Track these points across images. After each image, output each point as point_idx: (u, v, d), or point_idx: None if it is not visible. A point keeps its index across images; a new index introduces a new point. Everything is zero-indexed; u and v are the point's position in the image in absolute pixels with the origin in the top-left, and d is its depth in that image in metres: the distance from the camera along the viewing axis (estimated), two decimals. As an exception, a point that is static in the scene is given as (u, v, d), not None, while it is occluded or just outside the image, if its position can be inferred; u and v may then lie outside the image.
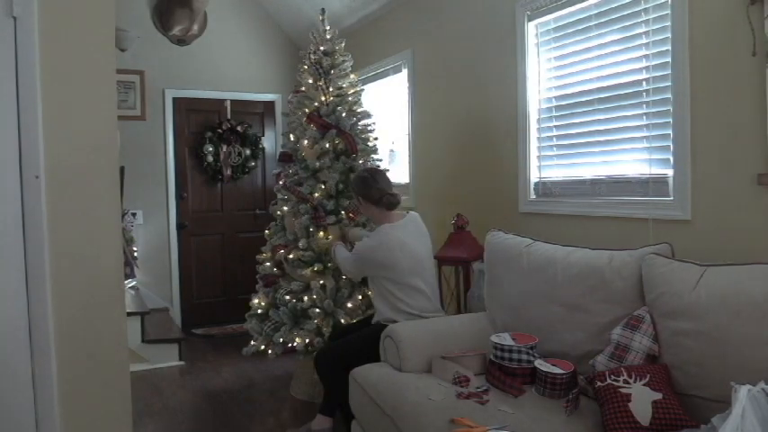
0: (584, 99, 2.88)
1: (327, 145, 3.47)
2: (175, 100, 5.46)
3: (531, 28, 3.19)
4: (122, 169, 4.14)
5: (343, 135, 3.48)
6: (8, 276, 2.21)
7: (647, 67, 2.56)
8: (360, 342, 2.88)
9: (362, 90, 3.75)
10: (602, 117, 2.78)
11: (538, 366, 2.18)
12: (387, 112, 4.67)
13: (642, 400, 1.84)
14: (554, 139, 3.12)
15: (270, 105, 5.86)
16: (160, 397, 3.76)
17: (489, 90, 3.51)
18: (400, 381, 2.40)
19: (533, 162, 3.22)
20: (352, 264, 3.02)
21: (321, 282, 3.39)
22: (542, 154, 3.19)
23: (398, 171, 4.49)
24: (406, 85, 4.43)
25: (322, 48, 3.59)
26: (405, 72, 4.46)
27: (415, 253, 2.91)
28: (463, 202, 3.69)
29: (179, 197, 5.50)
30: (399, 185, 4.43)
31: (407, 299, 2.88)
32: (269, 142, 5.82)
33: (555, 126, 3.10)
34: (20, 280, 2.22)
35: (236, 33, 5.68)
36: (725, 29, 2.20)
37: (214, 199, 5.66)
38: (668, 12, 2.42)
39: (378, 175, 3.07)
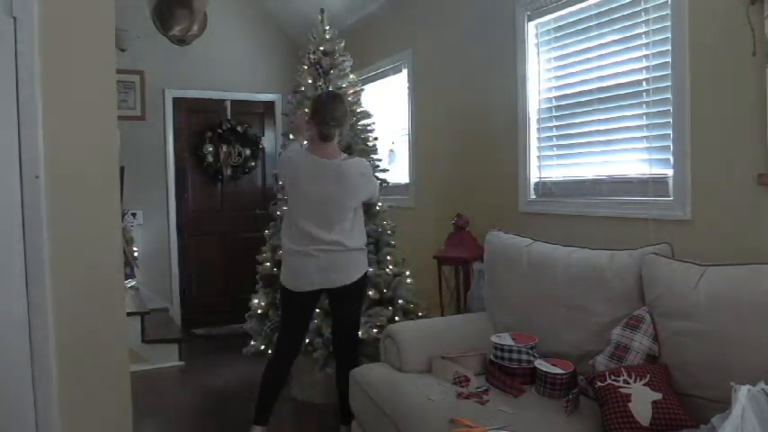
0: (584, 99, 2.88)
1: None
2: (175, 100, 5.46)
3: (531, 28, 3.19)
4: (122, 169, 4.13)
5: None
6: (8, 276, 2.21)
7: (647, 67, 2.56)
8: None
9: (362, 90, 3.75)
10: (602, 117, 2.78)
11: (538, 366, 2.18)
12: (387, 112, 4.66)
13: (642, 400, 1.84)
14: (554, 138, 3.12)
15: (270, 105, 5.86)
16: (160, 397, 3.76)
17: (489, 90, 3.51)
18: (400, 381, 2.40)
19: (533, 162, 3.22)
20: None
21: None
22: (542, 154, 3.19)
23: (398, 171, 4.49)
24: (406, 85, 4.43)
25: (321, 48, 3.59)
26: (405, 72, 4.46)
27: (308, 192, 2.70)
28: (463, 202, 3.69)
29: (179, 197, 5.50)
30: (399, 185, 4.43)
31: (286, 234, 2.78)
32: (269, 142, 5.82)
33: (555, 126, 3.10)
34: (20, 280, 2.22)
35: (236, 33, 5.68)
36: (725, 29, 2.20)
37: (214, 199, 5.66)
38: (668, 12, 2.42)
39: (332, 102, 2.76)
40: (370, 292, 3.37)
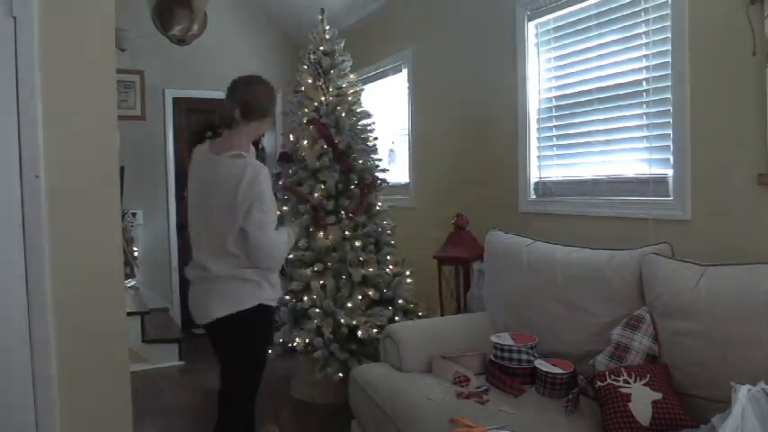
0: (583, 99, 2.88)
1: (326, 145, 3.47)
2: (175, 100, 5.46)
3: (531, 28, 3.19)
4: (122, 169, 4.13)
5: (332, 146, 3.43)
6: (8, 276, 2.21)
7: (647, 67, 2.56)
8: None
9: (362, 90, 3.75)
10: (601, 117, 2.78)
11: (538, 366, 2.18)
12: (387, 112, 4.66)
13: (642, 399, 1.84)
14: (554, 138, 3.11)
15: (270, 105, 5.85)
16: (160, 397, 3.76)
17: (489, 90, 3.51)
18: (400, 381, 2.40)
19: (533, 162, 3.22)
20: None
21: (321, 282, 3.39)
22: (542, 154, 3.19)
23: (398, 171, 4.49)
24: (406, 85, 4.43)
25: (322, 47, 3.59)
26: (405, 72, 4.46)
27: (190, 196, 2.26)
28: (463, 202, 3.69)
29: (179, 197, 5.49)
30: (399, 185, 4.44)
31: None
32: (269, 142, 5.81)
33: (555, 126, 3.10)
34: (20, 280, 2.22)
35: (236, 33, 5.68)
36: (725, 29, 2.20)
37: (214, 199, 5.65)
38: (668, 12, 2.42)
39: (239, 80, 2.24)
40: (369, 293, 3.37)
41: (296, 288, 3.41)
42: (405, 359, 2.53)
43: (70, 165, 2.31)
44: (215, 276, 2.14)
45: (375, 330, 3.26)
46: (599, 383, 1.96)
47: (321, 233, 3.41)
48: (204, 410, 3.55)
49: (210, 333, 2.27)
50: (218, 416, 2.33)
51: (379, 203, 3.60)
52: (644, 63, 2.57)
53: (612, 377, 1.94)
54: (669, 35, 2.43)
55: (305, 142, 3.51)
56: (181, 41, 5.39)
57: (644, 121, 2.59)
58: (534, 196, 3.23)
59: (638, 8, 2.57)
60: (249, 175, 2.05)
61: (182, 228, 5.50)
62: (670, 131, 2.45)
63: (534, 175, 3.23)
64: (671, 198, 2.46)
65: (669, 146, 2.46)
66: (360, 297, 3.39)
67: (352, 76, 3.69)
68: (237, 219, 2.06)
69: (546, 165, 3.18)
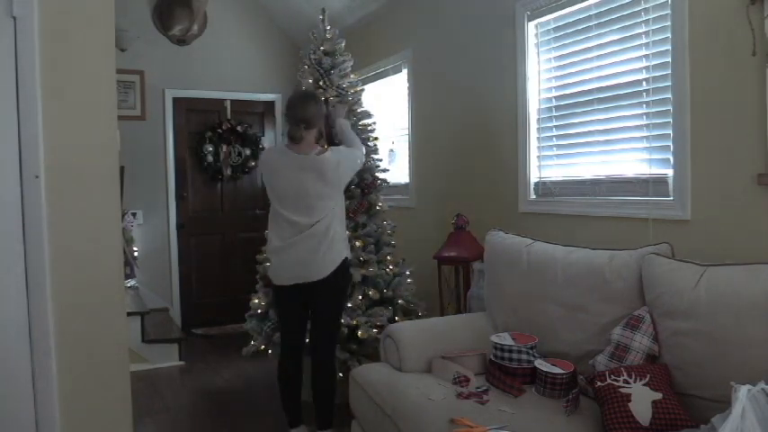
0: (583, 99, 2.88)
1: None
2: (175, 100, 5.46)
3: (531, 28, 3.19)
4: (122, 169, 4.13)
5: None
6: (8, 276, 2.21)
7: (646, 67, 2.56)
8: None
9: (363, 90, 3.75)
10: (601, 117, 2.78)
11: (538, 366, 2.18)
12: (387, 112, 4.67)
13: (642, 400, 1.84)
14: (554, 138, 3.12)
15: (270, 105, 5.86)
16: (160, 397, 3.76)
17: (489, 90, 3.51)
18: (400, 381, 2.40)
19: (533, 162, 3.22)
20: None
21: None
22: (542, 154, 3.19)
23: (398, 171, 4.49)
24: (406, 85, 4.43)
25: (322, 47, 3.58)
26: (405, 72, 4.46)
27: (284, 187, 2.73)
28: (463, 202, 3.69)
29: (179, 197, 5.50)
30: (399, 185, 4.44)
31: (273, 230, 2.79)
32: (269, 142, 5.82)
33: (555, 126, 3.10)
34: (20, 280, 2.22)
35: (236, 33, 5.69)
36: (725, 29, 2.20)
37: (214, 199, 5.66)
38: (668, 12, 2.42)
39: (301, 103, 2.78)
40: (369, 293, 3.37)
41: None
42: (405, 359, 2.53)
43: (70, 165, 2.31)
44: (318, 233, 2.66)
45: (375, 330, 3.26)
46: (599, 383, 1.96)
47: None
48: (204, 410, 3.55)
49: (299, 291, 2.75)
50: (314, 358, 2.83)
51: (379, 203, 3.59)
52: (644, 63, 2.57)
53: (612, 377, 1.94)
54: (669, 35, 2.43)
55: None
56: (181, 41, 5.40)
57: (644, 121, 2.59)
58: (534, 196, 3.22)
59: (638, 8, 2.57)
60: (335, 159, 2.73)
61: (181, 228, 5.51)
62: (670, 131, 2.45)
63: (534, 175, 3.23)
64: (671, 198, 2.46)
65: (669, 146, 2.46)
66: (360, 297, 3.39)
67: (353, 75, 3.69)
68: (337, 187, 2.74)
69: (546, 165, 3.18)
